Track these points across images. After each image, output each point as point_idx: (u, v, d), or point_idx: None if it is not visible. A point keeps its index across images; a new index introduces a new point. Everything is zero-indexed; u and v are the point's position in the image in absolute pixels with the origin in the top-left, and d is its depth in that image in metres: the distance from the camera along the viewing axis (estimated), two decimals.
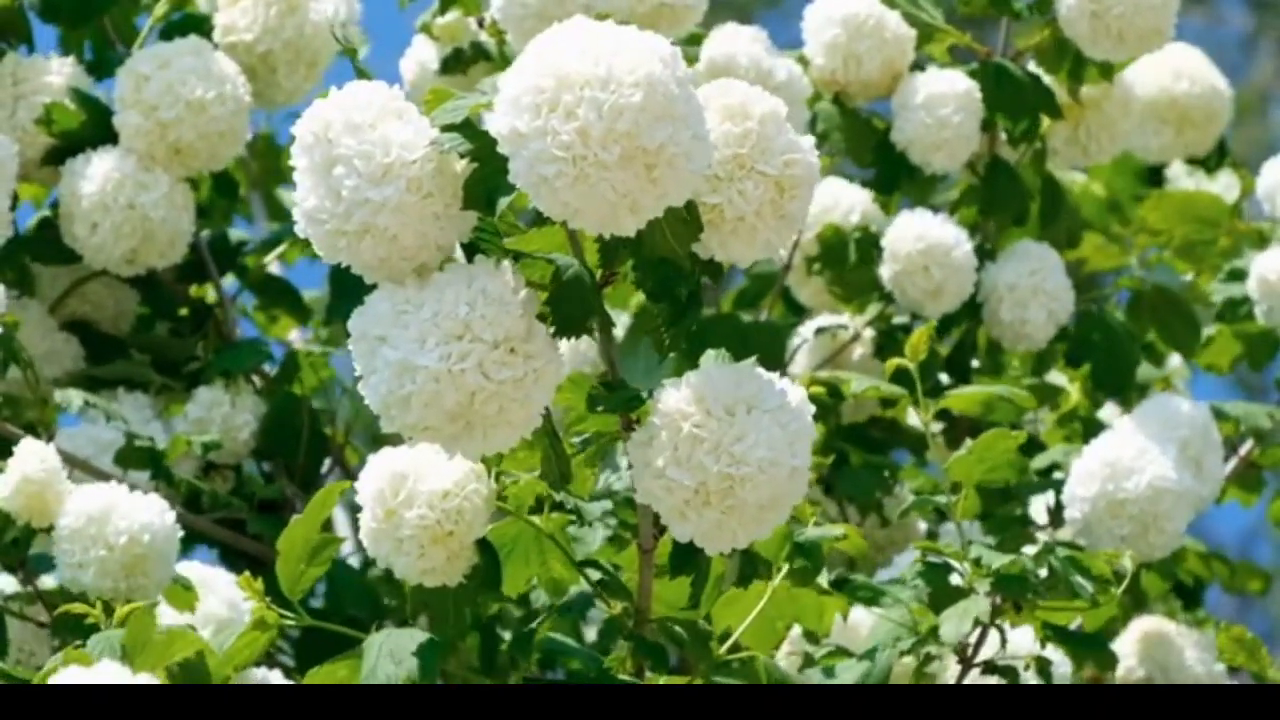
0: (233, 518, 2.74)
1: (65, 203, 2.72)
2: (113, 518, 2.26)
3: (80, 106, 2.75)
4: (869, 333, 2.96)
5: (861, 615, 2.35)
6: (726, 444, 1.83)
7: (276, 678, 2.27)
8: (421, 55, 3.00)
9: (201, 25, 2.83)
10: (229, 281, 2.93)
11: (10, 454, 2.30)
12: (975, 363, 2.93)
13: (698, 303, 1.88)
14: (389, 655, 1.99)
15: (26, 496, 2.27)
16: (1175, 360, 3.22)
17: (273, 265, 3.08)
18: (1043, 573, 2.23)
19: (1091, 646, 2.40)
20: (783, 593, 2.19)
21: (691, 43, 2.82)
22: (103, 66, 2.82)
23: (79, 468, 2.54)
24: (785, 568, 2.15)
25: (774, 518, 1.87)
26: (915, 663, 2.29)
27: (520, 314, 1.82)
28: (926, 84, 2.82)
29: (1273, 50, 8.43)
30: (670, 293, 1.86)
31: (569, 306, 1.83)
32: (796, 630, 2.35)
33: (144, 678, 1.54)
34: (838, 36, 2.84)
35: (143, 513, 2.27)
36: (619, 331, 3.06)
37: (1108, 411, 3.12)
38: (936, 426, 2.86)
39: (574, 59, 1.73)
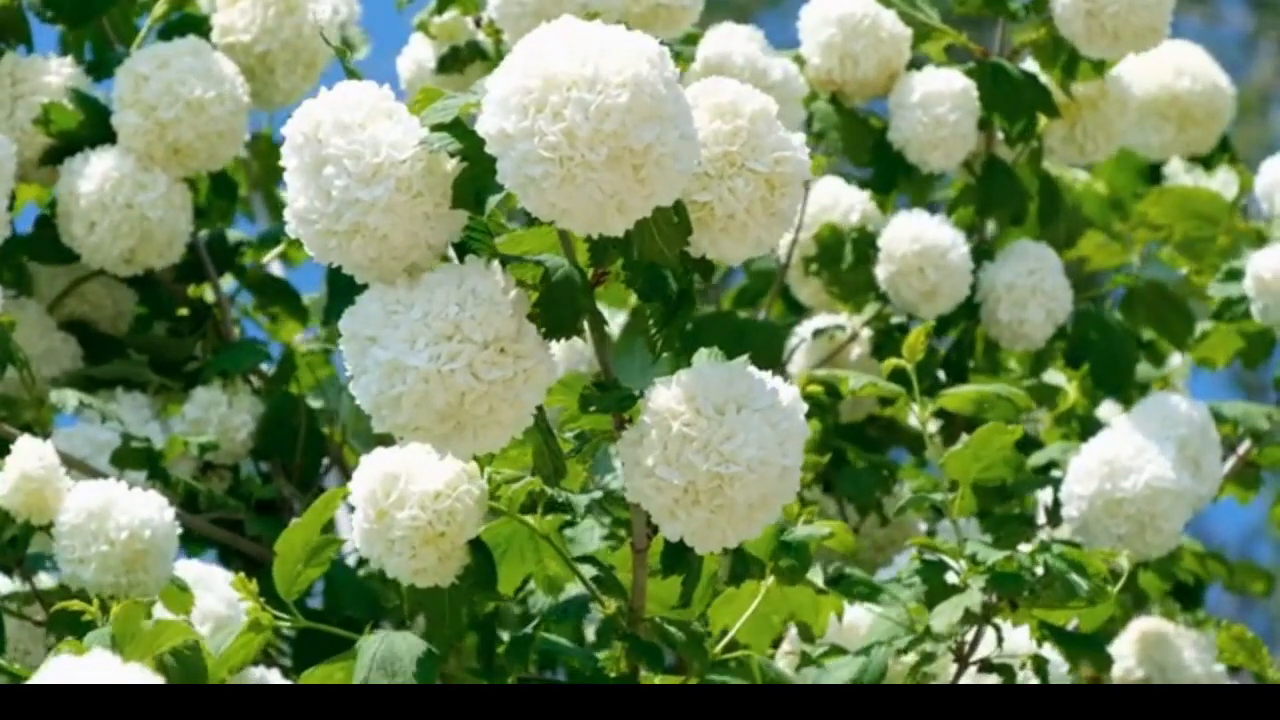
0: (230, 518, 2.74)
1: (63, 202, 2.72)
2: (113, 513, 2.25)
3: (79, 106, 2.75)
4: (866, 332, 2.96)
5: (861, 615, 2.35)
6: (716, 443, 1.83)
7: (275, 678, 2.27)
8: (419, 54, 3.00)
9: (200, 25, 2.83)
10: (227, 282, 2.92)
11: (8, 455, 2.30)
12: (973, 362, 2.93)
13: (690, 301, 1.88)
14: (381, 667, 1.99)
15: (25, 494, 2.27)
16: (1175, 359, 3.21)
17: (276, 267, 3.08)
18: (1038, 570, 2.22)
19: (1087, 647, 2.39)
20: (777, 591, 2.18)
21: (688, 42, 2.83)
22: (102, 66, 2.82)
23: (76, 468, 2.54)
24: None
25: (764, 517, 1.86)
26: (912, 661, 2.29)
27: (510, 314, 1.81)
28: (923, 83, 2.82)
29: (1273, 50, 8.42)
30: (661, 292, 1.86)
31: (558, 309, 1.83)
32: (795, 630, 2.34)
33: (134, 667, 1.53)
34: (834, 36, 2.84)
35: (143, 509, 2.27)
36: (614, 330, 3.07)
37: (1106, 410, 3.12)
38: (934, 426, 2.86)
39: (561, 59, 1.73)
